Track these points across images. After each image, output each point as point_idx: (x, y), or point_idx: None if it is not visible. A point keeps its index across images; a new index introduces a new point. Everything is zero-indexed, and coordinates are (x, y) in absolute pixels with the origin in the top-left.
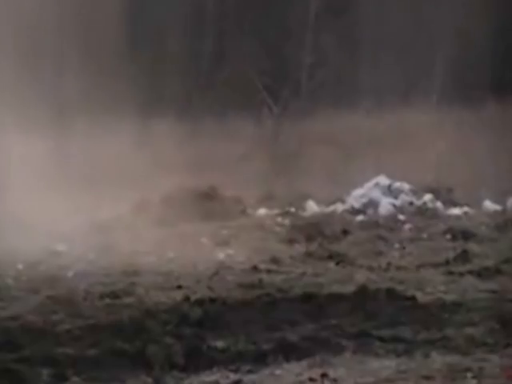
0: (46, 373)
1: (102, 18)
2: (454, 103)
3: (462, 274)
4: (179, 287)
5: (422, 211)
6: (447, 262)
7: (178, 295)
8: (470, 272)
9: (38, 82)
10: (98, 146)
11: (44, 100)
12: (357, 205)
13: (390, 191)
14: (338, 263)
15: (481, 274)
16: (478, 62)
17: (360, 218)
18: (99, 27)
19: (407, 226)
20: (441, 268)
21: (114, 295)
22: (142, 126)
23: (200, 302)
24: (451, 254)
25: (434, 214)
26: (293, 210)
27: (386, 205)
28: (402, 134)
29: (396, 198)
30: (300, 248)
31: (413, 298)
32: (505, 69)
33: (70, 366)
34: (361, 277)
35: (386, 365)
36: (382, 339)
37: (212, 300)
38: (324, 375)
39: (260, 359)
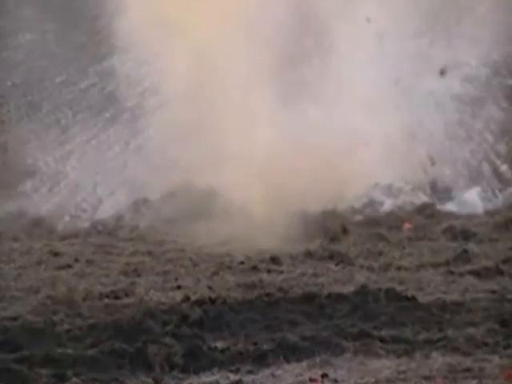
0: (45, 373)
1: None
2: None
3: (462, 274)
4: (179, 287)
5: (422, 211)
6: (447, 262)
7: (178, 295)
8: (470, 272)
9: None
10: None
11: None
12: (357, 205)
13: (390, 191)
14: (337, 263)
15: (481, 274)
16: None
17: (359, 217)
18: None
19: (407, 226)
20: (441, 268)
21: (114, 295)
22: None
23: (200, 302)
24: (451, 254)
25: (433, 214)
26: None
27: (386, 205)
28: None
29: (396, 197)
30: (300, 248)
31: (413, 298)
32: None
33: (69, 366)
34: (361, 277)
35: (387, 365)
36: (382, 339)
37: (212, 300)
38: (324, 376)
39: (260, 359)
